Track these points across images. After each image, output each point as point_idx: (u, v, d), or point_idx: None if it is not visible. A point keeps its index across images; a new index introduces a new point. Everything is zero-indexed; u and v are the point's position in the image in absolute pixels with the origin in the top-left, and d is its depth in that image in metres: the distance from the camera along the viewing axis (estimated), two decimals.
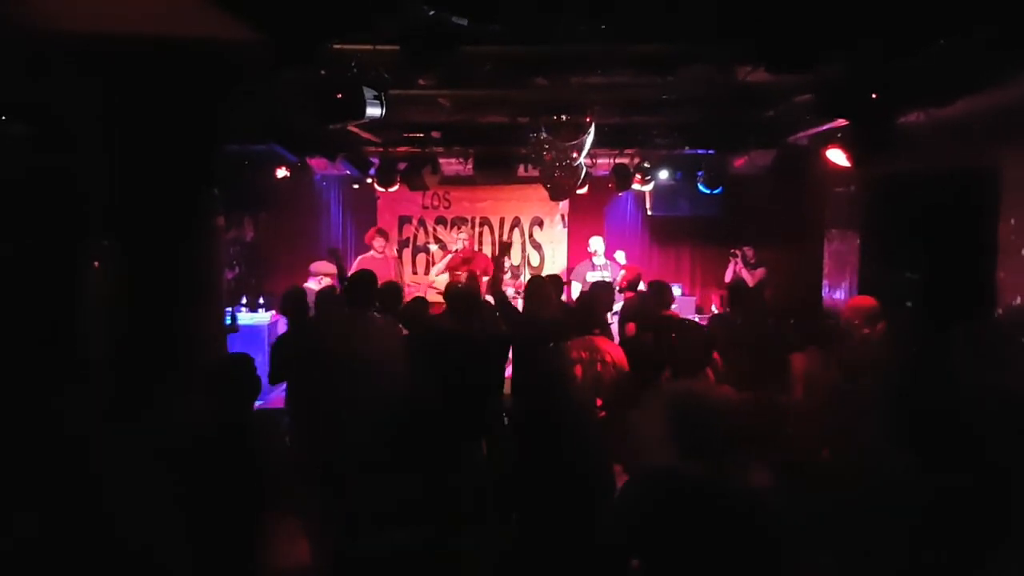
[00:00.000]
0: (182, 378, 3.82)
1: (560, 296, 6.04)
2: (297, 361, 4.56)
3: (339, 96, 4.24)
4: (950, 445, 2.96)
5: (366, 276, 4.83)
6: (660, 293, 5.50)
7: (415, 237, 10.25)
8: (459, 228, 9.70)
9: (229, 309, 7.27)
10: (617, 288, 6.68)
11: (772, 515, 2.43)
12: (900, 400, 3.23)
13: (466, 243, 8.26)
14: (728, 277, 8.53)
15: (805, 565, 2.60)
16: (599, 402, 4.23)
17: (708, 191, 8.45)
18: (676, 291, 8.64)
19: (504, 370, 4.89)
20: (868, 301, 4.76)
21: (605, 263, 8.40)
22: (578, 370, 4.27)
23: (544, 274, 9.29)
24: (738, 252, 8.47)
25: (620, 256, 8.79)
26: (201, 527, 3.02)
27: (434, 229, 10.13)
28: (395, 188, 8.36)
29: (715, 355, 4.45)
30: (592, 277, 7.94)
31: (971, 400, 3.21)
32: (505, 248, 5.70)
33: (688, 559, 2.30)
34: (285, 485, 3.46)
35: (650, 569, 2.39)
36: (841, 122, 5.31)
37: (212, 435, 3.23)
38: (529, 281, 5.45)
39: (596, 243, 8.56)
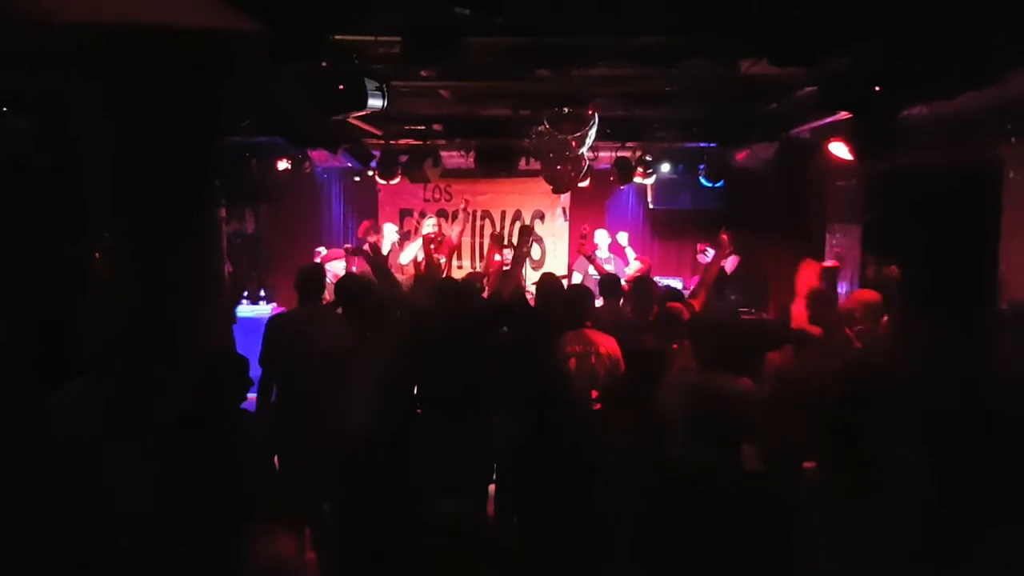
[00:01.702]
0: (182, 372, 3.82)
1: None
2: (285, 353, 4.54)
3: (341, 87, 4.23)
4: (953, 440, 2.96)
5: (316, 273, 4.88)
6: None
7: (416, 230, 10.23)
8: (431, 215, 9.58)
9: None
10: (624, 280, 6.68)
11: (783, 505, 2.44)
12: (904, 395, 3.23)
13: (435, 229, 8.25)
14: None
15: (813, 557, 2.61)
16: (594, 394, 4.23)
17: (710, 184, 8.43)
18: (677, 284, 8.64)
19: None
20: (871, 295, 4.75)
21: (608, 256, 8.39)
22: (572, 363, 4.27)
23: (545, 268, 9.30)
24: (704, 248, 8.36)
25: (622, 237, 8.75)
26: (183, 525, 3.02)
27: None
28: (396, 181, 8.34)
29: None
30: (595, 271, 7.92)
31: (972, 393, 3.21)
32: (526, 232, 5.63)
33: (699, 548, 2.30)
34: (268, 487, 3.45)
35: (658, 558, 2.39)
36: (844, 115, 5.30)
37: (195, 433, 3.23)
38: (541, 278, 5.41)
39: (600, 236, 8.55)
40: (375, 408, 3.87)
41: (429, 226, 7.73)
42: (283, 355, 4.42)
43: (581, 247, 7.49)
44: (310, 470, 4.05)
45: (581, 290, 5.10)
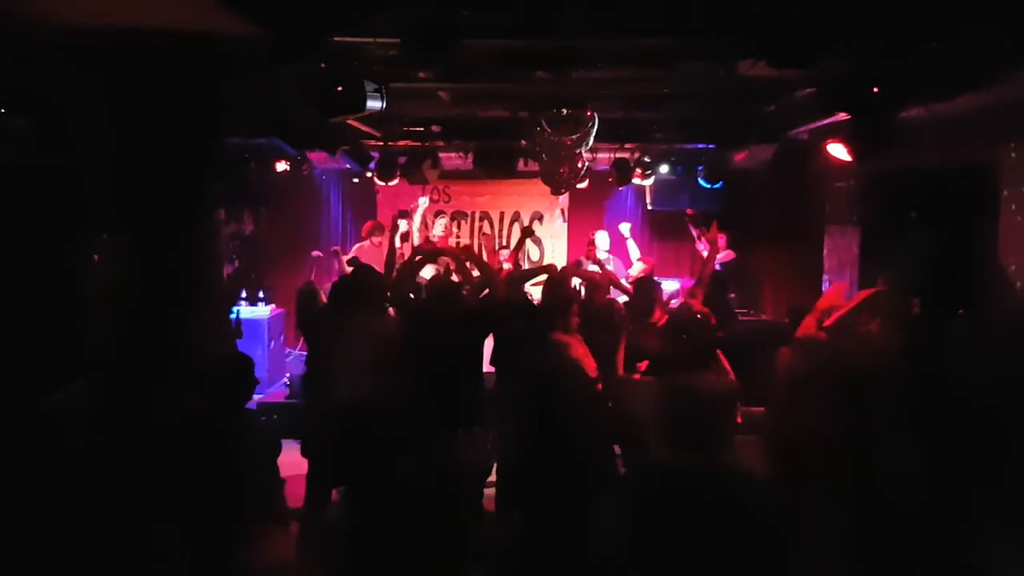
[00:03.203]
0: (180, 374, 3.81)
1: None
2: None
3: (340, 89, 4.24)
4: (950, 437, 2.97)
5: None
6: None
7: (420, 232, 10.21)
8: (442, 216, 9.61)
9: (236, 309, 7.26)
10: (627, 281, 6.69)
11: (772, 505, 2.44)
12: (901, 393, 3.23)
13: (444, 231, 8.22)
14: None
15: (805, 556, 2.61)
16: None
17: (708, 186, 8.44)
18: (675, 286, 8.65)
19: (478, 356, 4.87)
20: None
21: (608, 258, 8.39)
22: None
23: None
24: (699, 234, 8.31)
25: (624, 228, 8.75)
26: (184, 526, 3.02)
27: (432, 223, 10.11)
28: (395, 182, 8.35)
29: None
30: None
31: (971, 393, 3.22)
32: (527, 233, 5.64)
33: (691, 551, 2.30)
34: (268, 489, 3.44)
35: (652, 564, 2.39)
36: (842, 116, 5.30)
37: (198, 434, 3.21)
38: (548, 279, 5.35)
39: (601, 238, 8.54)
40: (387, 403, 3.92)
41: (440, 227, 7.73)
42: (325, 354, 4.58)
43: (588, 252, 7.49)
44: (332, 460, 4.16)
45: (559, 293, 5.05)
